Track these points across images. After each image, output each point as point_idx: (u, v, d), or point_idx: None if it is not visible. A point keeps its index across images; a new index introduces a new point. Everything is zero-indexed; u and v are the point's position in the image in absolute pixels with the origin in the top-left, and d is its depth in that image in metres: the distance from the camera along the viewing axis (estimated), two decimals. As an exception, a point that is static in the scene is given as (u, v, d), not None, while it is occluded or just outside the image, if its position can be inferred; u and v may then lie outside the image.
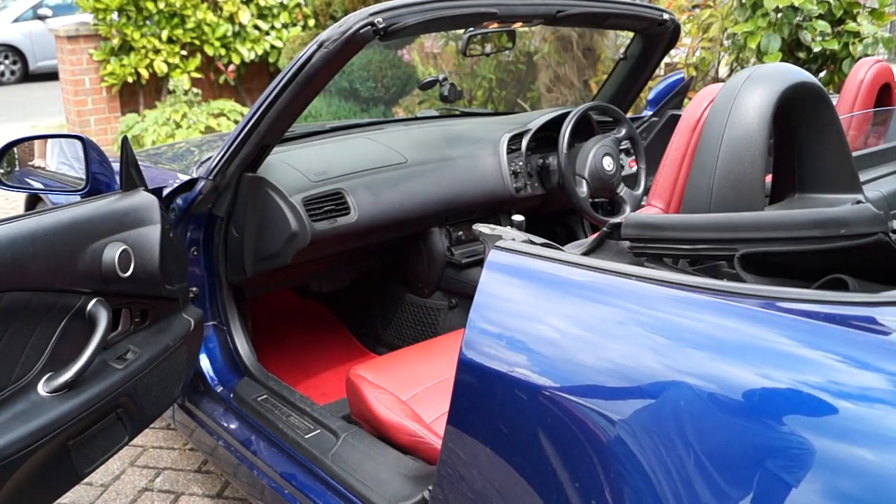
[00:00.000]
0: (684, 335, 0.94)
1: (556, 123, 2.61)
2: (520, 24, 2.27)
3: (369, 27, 1.79)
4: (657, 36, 2.58)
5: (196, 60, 6.64)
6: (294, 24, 7.01)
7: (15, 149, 1.93)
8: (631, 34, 2.77)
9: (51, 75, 9.85)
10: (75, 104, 6.62)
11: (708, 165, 1.35)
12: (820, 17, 3.64)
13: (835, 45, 3.63)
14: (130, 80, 6.53)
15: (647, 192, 2.49)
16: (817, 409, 0.80)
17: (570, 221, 2.93)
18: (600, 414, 0.94)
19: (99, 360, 1.59)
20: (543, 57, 5.30)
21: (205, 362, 2.20)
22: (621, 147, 2.65)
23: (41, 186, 2.04)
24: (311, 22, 6.80)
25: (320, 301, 3.00)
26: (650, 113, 3.00)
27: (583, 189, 2.51)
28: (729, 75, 4.18)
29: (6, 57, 12.14)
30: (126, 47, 6.49)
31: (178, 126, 6.13)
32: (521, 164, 2.57)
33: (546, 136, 2.66)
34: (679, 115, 1.79)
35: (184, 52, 6.63)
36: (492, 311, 1.12)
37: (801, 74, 1.41)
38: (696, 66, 4.22)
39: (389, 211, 2.26)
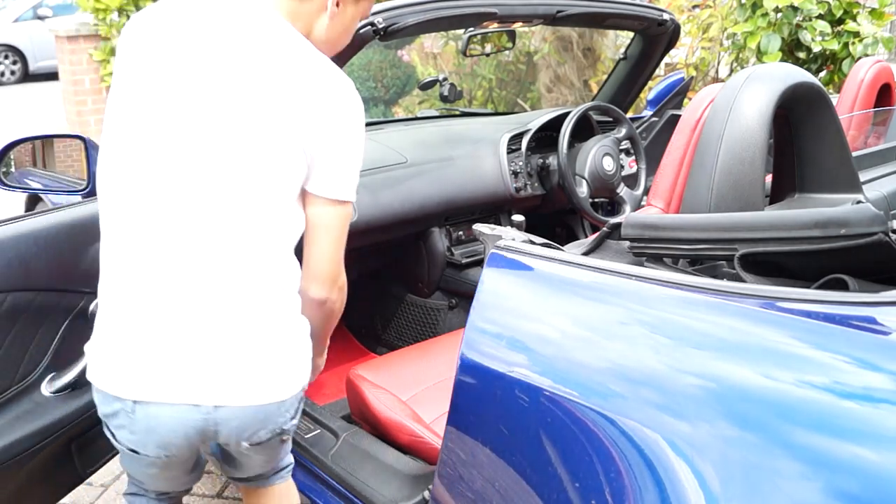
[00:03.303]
0: (684, 335, 0.94)
1: (556, 123, 2.61)
2: (520, 24, 2.27)
3: (369, 27, 1.79)
4: (657, 36, 2.58)
5: (196, 60, 6.64)
6: (294, 24, 7.01)
7: (15, 149, 1.93)
8: (631, 34, 2.77)
9: (51, 75, 9.85)
10: (75, 104, 6.62)
11: (708, 165, 1.35)
12: (820, 17, 3.64)
13: (835, 45, 3.64)
14: (130, 80, 6.53)
15: (647, 192, 2.49)
16: (817, 408, 0.80)
17: (570, 221, 2.93)
18: (600, 414, 0.94)
19: (100, 361, 1.59)
20: (543, 57, 5.30)
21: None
22: (621, 147, 2.65)
23: (41, 186, 2.04)
24: (311, 22, 6.79)
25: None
26: (650, 113, 3.00)
27: (583, 189, 2.52)
28: (729, 75, 4.19)
29: (6, 57, 12.14)
30: (126, 47, 6.48)
31: (178, 126, 6.12)
32: (521, 164, 2.57)
33: (546, 136, 2.66)
34: (679, 115, 1.79)
35: (184, 52, 6.62)
36: (492, 310, 1.12)
37: (801, 74, 1.42)
38: (696, 66, 4.22)
39: (389, 211, 2.26)
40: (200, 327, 1.21)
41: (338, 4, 1.27)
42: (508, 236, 1.19)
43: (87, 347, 1.30)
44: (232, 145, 1.18)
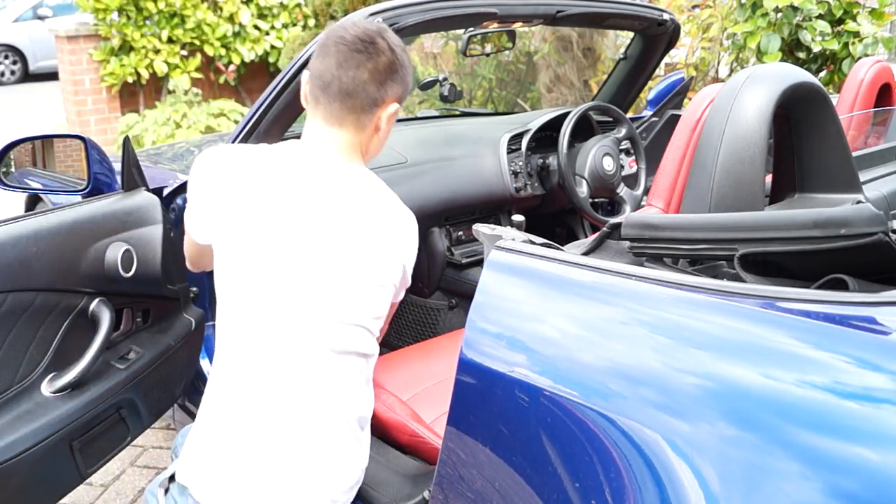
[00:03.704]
0: (684, 335, 0.94)
1: (556, 123, 2.61)
2: (520, 24, 2.27)
3: (369, 27, 1.79)
4: (657, 36, 2.58)
5: (196, 60, 6.63)
6: (294, 24, 7.00)
7: (15, 149, 1.93)
8: (631, 34, 2.77)
9: (51, 75, 9.86)
10: (75, 104, 6.62)
11: (708, 165, 1.35)
12: (820, 17, 3.64)
13: (835, 45, 3.64)
14: (130, 80, 6.53)
15: (647, 192, 2.49)
16: (817, 408, 0.80)
17: (570, 221, 2.93)
18: (600, 414, 0.94)
19: (102, 360, 1.59)
20: (543, 57, 5.30)
21: (205, 362, 2.20)
22: (621, 147, 2.65)
23: (41, 186, 2.04)
24: (311, 22, 6.79)
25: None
26: (650, 113, 3.00)
27: (583, 189, 2.52)
28: (729, 75, 4.19)
29: (6, 57, 12.14)
30: (126, 47, 6.48)
31: (178, 126, 6.12)
32: (521, 163, 2.57)
33: (546, 136, 2.66)
34: (679, 115, 1.79)
35: (184, 52, 6.62)
36: (492, 310, 1.12)
37: (801, 74, 1.42)
38: (696, 66, 4.22)
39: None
40: (269, 453, 1.35)
41: (386, 123, 1.42)
42: (508, 236, 1.19)
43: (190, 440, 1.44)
44: (334, 290, 1.34)
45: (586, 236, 2.64)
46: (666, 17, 2.47)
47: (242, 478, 1.34)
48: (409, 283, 1.48)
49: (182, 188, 2.09)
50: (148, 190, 1.84)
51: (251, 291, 1.34)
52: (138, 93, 6.74)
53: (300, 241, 1.33)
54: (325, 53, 1.36)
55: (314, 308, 1.33)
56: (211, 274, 2.18)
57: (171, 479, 1.42)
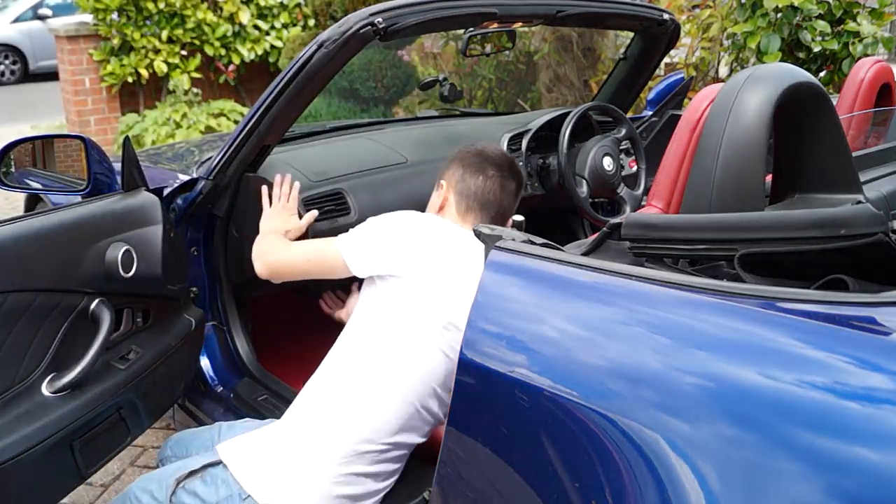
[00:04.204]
0: (684, 335, 0.94)
1: (556, 123, 2.61)
2: (520, 24, 2.27)
3: (369, 27, 1.79)
4: (657, 36, 2.58)
5: (196, 60, 6.63)
6: (294, 24, 7.00)
7: (15, 149, 1.93)
8: (631, 34, 2.77)
9: (51, 75, 9.84)
10: (75, 104, 6.62)
11: (708, 165, 1.35)
12: (820, 17, 3.64)
13: (835, 45, 3.63)
14: (130, 80, 6.52)
15: (647, 192, 2.49)
16: (817, 408, 0.80)
17: (570, 221, 2.92)
18: (600, 414, 0.94)
19: (102, 361, 1.59)
20: (543, 57, 5.30)
21: (205, 362, 2.20)
22: (621, 147, 2.65)
23: (41, 187, 2.04)
24: (311, 22, 6.79)
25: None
26: (650, 113, 2.99)
27: (583, 189, 2.51)
28: (729, 75, 4.19)
29: (6, 57, 12.14)
30: (126, 47, 6.48)
31: (178, 126, 6.12)
32: (520, 163, 2.57)
33: (546, 136, 2.66)
34: (679, 115, 1.79)
35: (184, 52, 6.62)
36: (492, 311, 1.12)
37: (801, 74, 1.42)
38: (696, 66, 4.22)
39: (390, 210, 2.26)
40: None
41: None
42: (508, 236, 1.19)
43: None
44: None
45: (586, 236, 2.64)
46: (666, 17, 2.47)
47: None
48: None
49: (182, 188, 2.10)
50: (148, 190, 1.85)
51: (391, 333, 1.55)
52: (138, 93, 6.74)
53: (444, 314, 1.52)
54: (485, 175, 1.68)
55: (431, 373, 1.53)
56: (211, 273, 2.19)
57: (190, 474, 1.52)
